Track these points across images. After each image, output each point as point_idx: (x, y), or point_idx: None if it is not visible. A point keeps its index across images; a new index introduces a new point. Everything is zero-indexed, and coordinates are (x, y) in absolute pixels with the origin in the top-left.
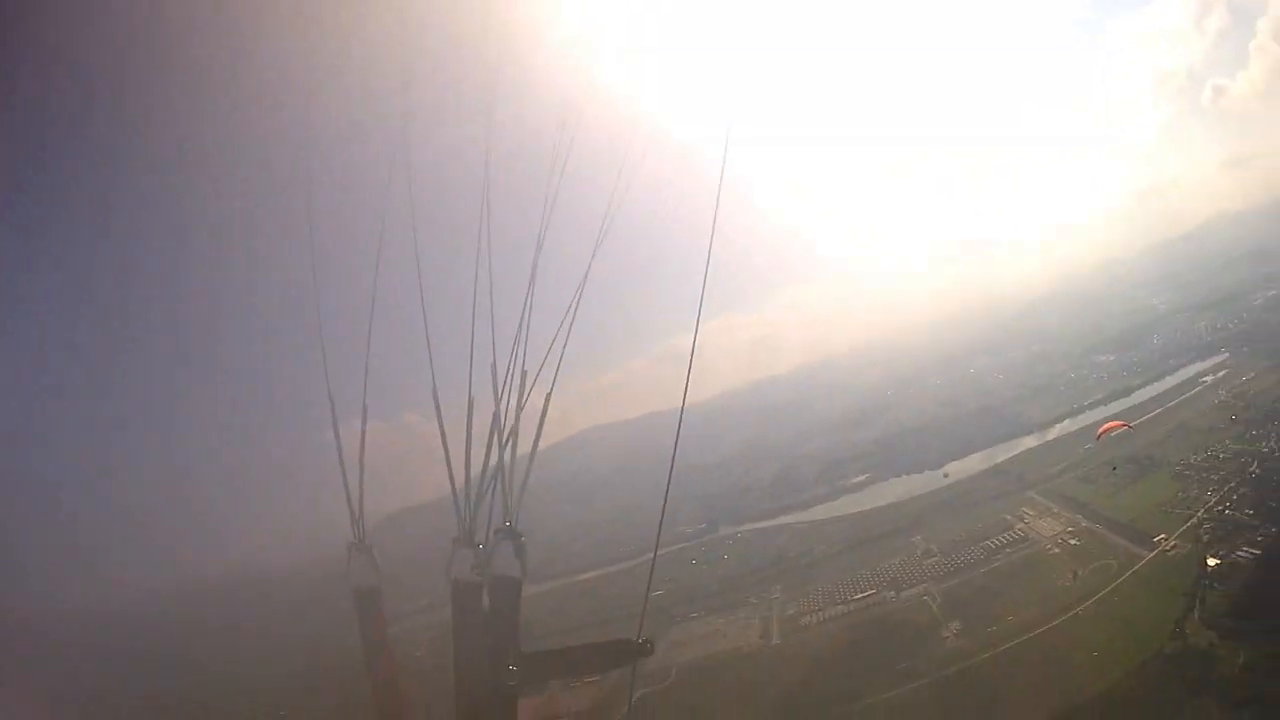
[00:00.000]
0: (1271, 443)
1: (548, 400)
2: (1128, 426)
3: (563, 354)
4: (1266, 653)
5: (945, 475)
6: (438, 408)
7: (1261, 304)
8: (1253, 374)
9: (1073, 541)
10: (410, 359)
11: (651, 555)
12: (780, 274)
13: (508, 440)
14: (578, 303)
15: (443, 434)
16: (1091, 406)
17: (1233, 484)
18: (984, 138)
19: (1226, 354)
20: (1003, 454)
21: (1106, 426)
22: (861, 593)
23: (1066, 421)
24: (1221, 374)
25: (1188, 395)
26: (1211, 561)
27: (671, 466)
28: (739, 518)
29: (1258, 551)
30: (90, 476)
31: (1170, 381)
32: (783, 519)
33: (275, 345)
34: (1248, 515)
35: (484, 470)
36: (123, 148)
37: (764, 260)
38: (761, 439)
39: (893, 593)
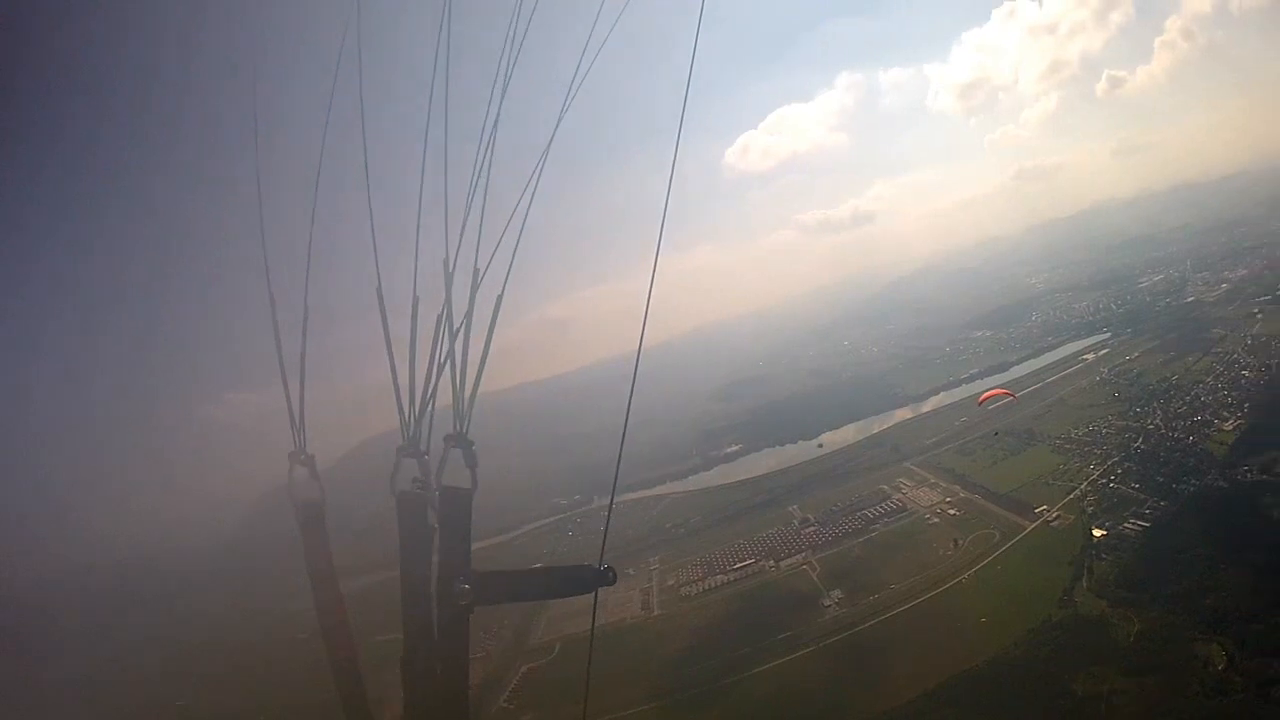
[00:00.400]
0: (1157, 419)
1: (499, 301)
2: (1012, 396)
3: (514, 253)
4: (1160, 621)
5: (820, 445)
6: (382, 306)
7: (1147, 287)
8: (1137, 354)
9: (952, 511)
10: (356, 259)
11: (611, 493)
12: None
13: (457, 336)
14: (530, 203)
15: (386, 336)
16: (968, 380)
17: (1117, 458)
18: (868, 112)
19: (1109, 334)
20: (878, 425)
21: (990, 393)
22: (741, 562)
23: (942, 394)
24: (1103, 352)
25: (1067, 372)
26: (1097, 533)
27: (626, 417)
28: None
29: (1146, 524)
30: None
31: (1049, 358)
32: (659, 489)
33: (217, 244)
34: (1134, 489)
35: (429, 375)
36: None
37: (639, 229)
38: (635, 409)
39: (772, 562)
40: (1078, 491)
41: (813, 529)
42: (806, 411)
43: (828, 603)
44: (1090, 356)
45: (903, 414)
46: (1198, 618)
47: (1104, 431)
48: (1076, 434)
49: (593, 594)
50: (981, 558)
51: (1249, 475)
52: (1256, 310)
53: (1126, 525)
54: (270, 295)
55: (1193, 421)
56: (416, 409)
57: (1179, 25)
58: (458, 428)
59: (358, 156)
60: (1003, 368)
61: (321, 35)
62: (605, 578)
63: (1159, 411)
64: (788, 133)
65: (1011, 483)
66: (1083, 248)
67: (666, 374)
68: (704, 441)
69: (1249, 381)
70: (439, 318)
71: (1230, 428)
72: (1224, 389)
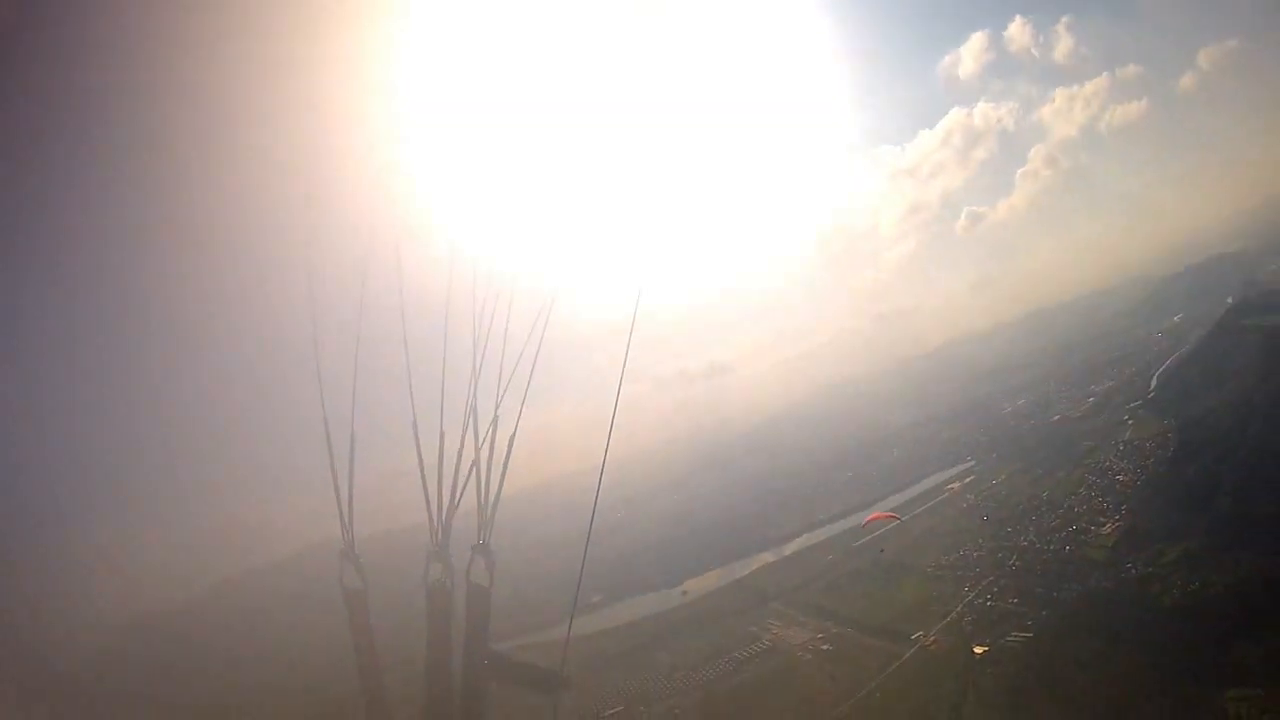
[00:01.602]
0: (1030, 536)
1: (512, 440)
2: (896, 518)
3: (523, 402)
4: None
5: (684, 593)
6: (417, 440)
7: (1010, 412)
8: (1003, 476)
9: (825, 646)
10: (394, 401)
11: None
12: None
13: (471, 470)
14: (535, 361)
15: (420, 461)
16: (829, 520)
17: (991, 578)
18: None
19: (973, 461)
20: (741, 570)
21: (874, 516)
22: (610, 710)
23: (805, 536)
24: (969, 480)
25: (933, 503)
26: (978, 649)
27: (588, 537)
28: None
29: (1029, 634)
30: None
31: (914, 491)
32: (519, 639)
33: (275, 378)
34: (1013, 603)
35: (452, 496)
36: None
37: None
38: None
39: (643, 707)
40: (954, 614)
41: (683, 673)
42: (667, 559)
43: None
44: (956, 485)
45: (766, 557)
46: (1095, 712)
47: (975, 555)
48: (947, 560)
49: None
50: (860, 687)
51: (1134, 571)
52: (1127, 417)
53: (1009, 639)
54: (326, 426)
55: (1068, 532)
56: (444, 518)
57: (1043, 154)
58: (481, 539)
59: (394, 321)
60: (865, 505)
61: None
62: (563, 681)
63: (1031, 528)
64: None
65: (884, 614)
66: (943, 381)
67: (527, 525)
68: (562, 591)
69: (1124, 484)
70: (459, 450)
71: (1109, 531)
72: (1098, 496)
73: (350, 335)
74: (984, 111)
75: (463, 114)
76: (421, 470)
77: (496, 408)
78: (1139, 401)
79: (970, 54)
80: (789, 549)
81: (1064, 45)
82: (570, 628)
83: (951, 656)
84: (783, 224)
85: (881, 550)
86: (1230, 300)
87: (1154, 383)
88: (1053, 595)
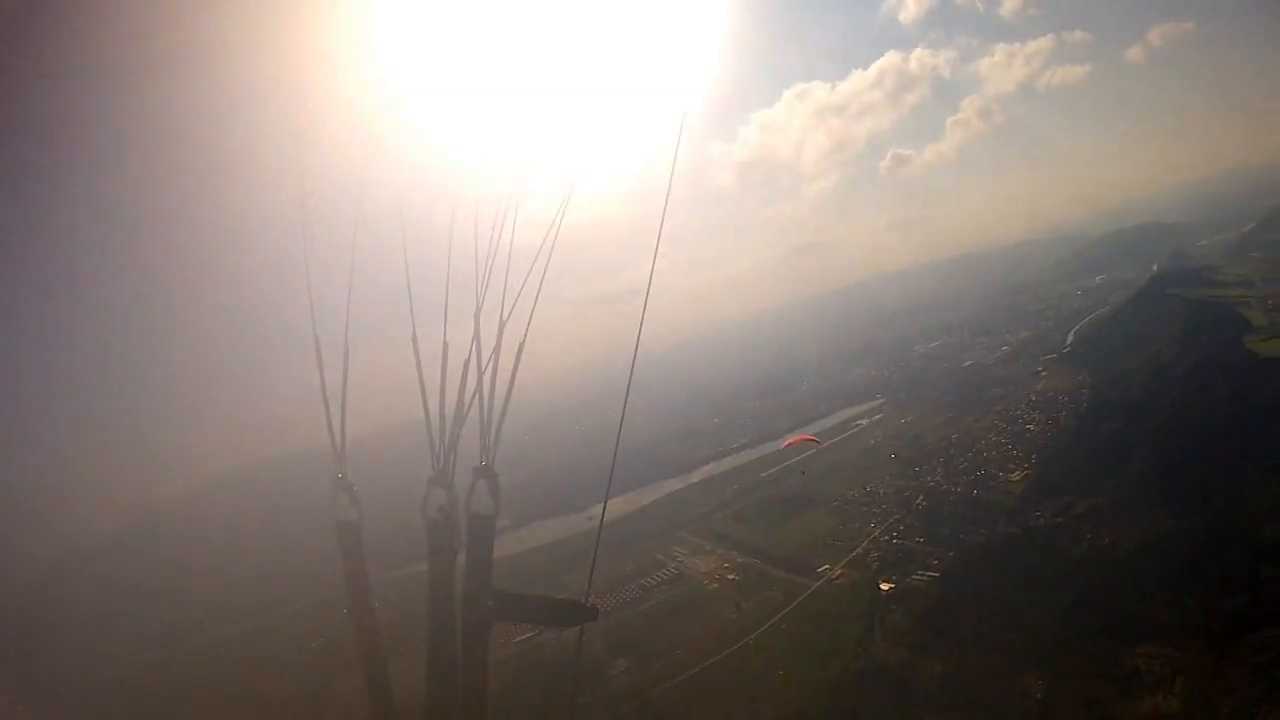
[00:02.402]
0: (938, 477)
1: (521, 348)
2: (816, 441)
3: (535, 303)
4: (966, 661)
5: (590, 518)
6: (416, 351)
7: (922, 354)
8: (911, 417)
9: (731, 576)
10: (391, 303)
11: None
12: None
13: (484, 377)
14: (549, 259)
15: (420, 378)
16: (738, 449)
17: (898, 516)
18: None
19: (882, 399)
20: (649, 496)
21: (794, 439)
22: (520, 636)
23: (712, 464)
24: (877, 417)
25: (842, 437)
26: (884, 586)
27: (618, 439)
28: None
29: (934, 574)
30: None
31: (823, 425)
32: (420, 566)
33: (262, 287)
34: (919, 543)
35: (456, 412)
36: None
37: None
38: (394, 489)
39: (553, 633)
40: (860, 549)
41: (591, 599)
42: (575, 484)
43: (615, 671)
44: (864, 422)
45: (673, 484)
46: (1007, 654)
47: (883, 492)
48: (854, 495)
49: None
50: (767, 618)
51: (1041, 520)
52: (1040, 369)
53: (914, 577)
54: (315, 335)
55: (976, 476)
56: (446, 442)
57: (977, 104)
58: (484, 460)
59: (394, 220)
60: (774, 435)
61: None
62: (591, 613)
63: (939, 470)
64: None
65: (790, 545)
66: (856, 318)
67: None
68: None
69: (1034, 435)
70: (465, 361)
71: (1018, 479)
72: (1009, 444)
73: (345, 246)
74: (920, 57)
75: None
76: (421, 385)
77: (502, 322)
78: (1054, 355)
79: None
80: (696, 476)
81: (1013, 2)
82: (595, 558)
83: (857, 592)
84: (704, 148)
85: (803, 472)
86: (1156, 268)
87: (1070, 338)
88: (959, 537)
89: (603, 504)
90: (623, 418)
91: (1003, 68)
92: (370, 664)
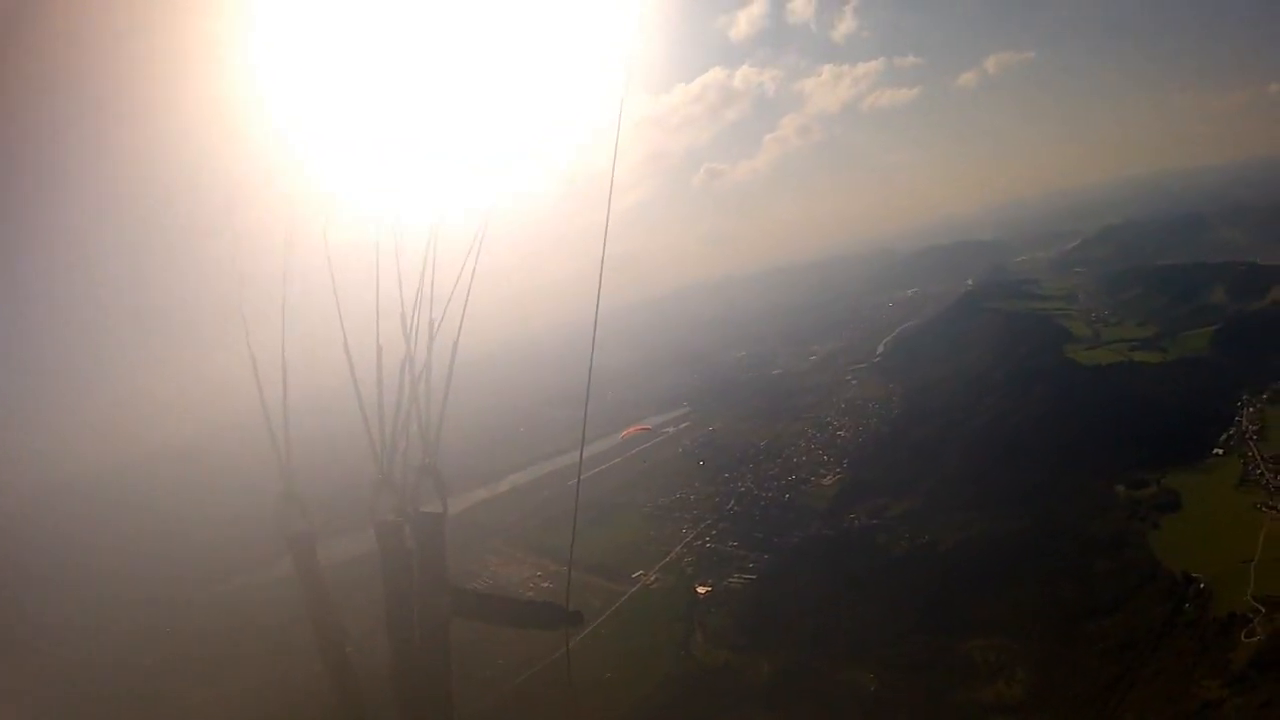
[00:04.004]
0: (748, 483)
1: (455, 346)
2: (649, 430)
3: (466, 301)
4: (793, 660)
5: None
6: (349, 358)
7: (731, 362)
8: (719, 424)
9: (545, 584)
10: (324, 321)
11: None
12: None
13: (420, 380)
14: (476, 260)
15: (355, 384)
16: (545, 458)
17: (710, 521)
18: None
19: (689, 407)
20: (457, 506)
21: (630, 430)
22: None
23: (520, 472)
24: (684, 425)
25: (649, 444)
26: (701, 590)
27: (585, 409)
28: None
29: (751, 577)
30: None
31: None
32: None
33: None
34: (733, 546)
35: (396, 413)
36: None
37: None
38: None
39: (371, 644)
40: (674, 555)
41: (573, 606)
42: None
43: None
44: (671, 429)
45: (481, 493)
46: (835, 651)
47: (693, 498)
48: (664, 501)
49: (563, 632)
50: (585, 625)
51: (856, 522)
52: (850, 377)
53: (731, 580)
54: (251, 355)
55: (788, 481)
56: (389, 444)
57: (796, 123)
58: (426, 459)
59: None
60: (579, 443)
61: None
62: (573, 619)
63: (749, 475)
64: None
65: (603, 552)
66: (665, 329)
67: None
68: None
69: (845, 440)
70: (402, 365)
71: (830, 483)
72: (819, 450)
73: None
74: (746, 74)
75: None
76: (357, 389)
77: (434, 325)
78: (864, 364)
79: (748, 18)
80: (504, 485)
81: (846, 26)
82: (572, 546)
83: (674, 596)
84: (524, 155)
85: (701, 463)
86: (971, 282)
87: (880, 348)
88: (774, 540)
89: (574, 516)
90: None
91: (828, 88)
92: (338, 682)
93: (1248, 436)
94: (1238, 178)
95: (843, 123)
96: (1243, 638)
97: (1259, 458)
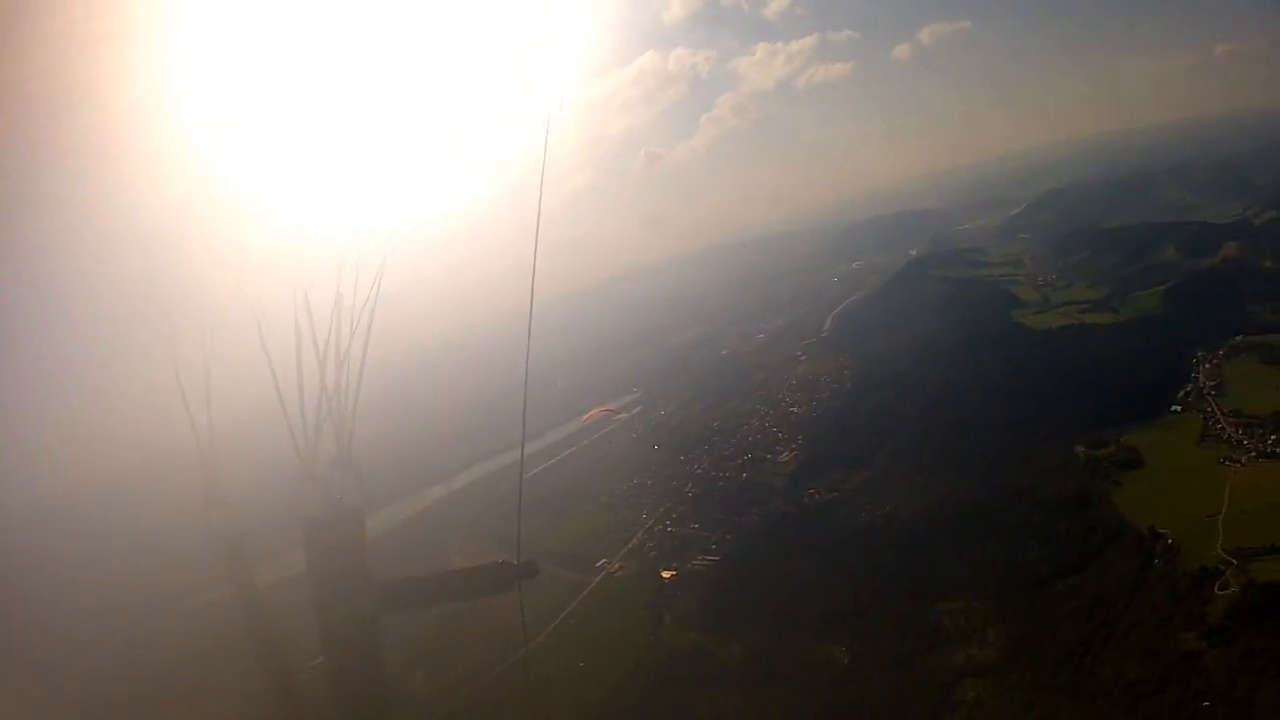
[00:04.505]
0: (704, 464)
1: (368, 331)
2: (612, 411)
3: (378, 287)
4: (759, 639)
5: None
6: (266, 352)
7: (679, 343)
8: (673, 406)
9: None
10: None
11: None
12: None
13: (338, 368)
14: (386, 259)
15: (274, 375)
16: (498, 452)
17: (669, 504)
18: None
19: (639, 391)
20: (416, 505)
21: (593, 412)
22: (312, 661)
23: (475, 466)
24: (637, 410)
25: (603, 432)
26: (666, 574)
27: (524, 409)
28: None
29: (715, 558)
30: None
31: (580, 422)
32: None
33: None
34: (694, 529)
35: (319, 407)
36: None
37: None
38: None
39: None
40: (636, 540)
41: (520, 559)
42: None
43: (414, 686)
44: (624, 415)
45: (438, 490)
46: (805, 626)
47: (650, 483)
48: (622, 488)
49: (516, 590)
50: (553, 617)
51: (816, 496)
52: (800, 353)
53: (695, 563)
54: (175, 364)
55: (744, 460)
56: (310, 436)
57: (732, 102)
58: (341, 451)
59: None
60: (534, 434)
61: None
62: (526, 571)
63: (705, 457)
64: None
65: (566, 542)
66: (612, 314)
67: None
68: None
69: (799, 416)
70: (320, 354)
71: (787, 459)
72: (774, 427)
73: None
74: (680, 56)
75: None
76: (277, 387)
77: (354, 324)
78: (812, 339)
79: (681, 0)
80: (459, 481)
81: (778, 3)
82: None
83: (640, 582)
84: (468, 145)
85: (656, 446)
86: (913, 252)
87: (828, 323)
88: (734, 520)
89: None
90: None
91: (762, 66)
92: (276, 685)
93: (1206, 392)
94: (1185, 137)
95: (779, 100)
96: (1216, 590)
97: (1218, 412)
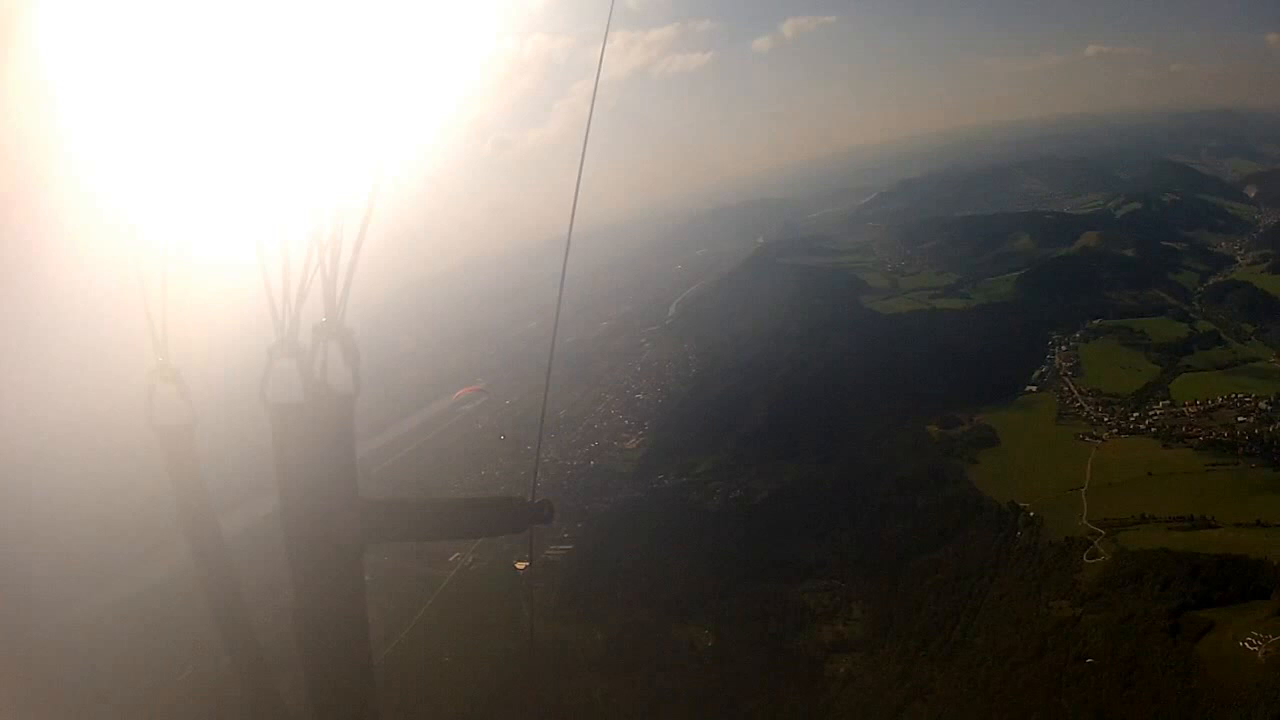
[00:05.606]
0: (551, 453)
1: (373, 192)
2: (481, 389)
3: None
4: (625, 625)
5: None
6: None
7: (521, 334)
8: (515, 397)
9: (365, 576)
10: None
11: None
12: None
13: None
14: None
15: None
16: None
17: (517, 495)
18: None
19: (483, 382)
20: (262, 504)
21: (461, 392)
22: (183, 673)
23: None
24: (481, 401)
25: (447, 425)
26: (520, 565)
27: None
28: None
29: (568, 546)
30: None
31: (426, 414)
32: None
33: None
34: None
35: (308, 256)
36: None
37: None
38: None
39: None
40: None
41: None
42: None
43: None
44: (468, 407)
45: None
46: (665, 610)
47: (497, 474)
48: (469, 481)
49: (526, 534)
50: (411, 614)
51: (665, 482)
52: (644, 340)
53: (549, 552)
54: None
55: (591, 447)
56: (293, 298)
57: (587, 90)
58: (332, 314)
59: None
60: (379, 429)
61: None
62: (539, 514)
63: (551, 446)
64: None
65: None
66: (454, 305)
67: None
68: None
69: (645, 403)
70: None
71: (634, 446)
72: (620, 415)
73: None
74: (537, 42)
75: None
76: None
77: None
78: (656, 326)
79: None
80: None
81: None
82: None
83: (494, 574)
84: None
85: (503, 437)
86: (761, 240)
87: (672, 310)
88: (584, 508)
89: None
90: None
91: (619, 54)
92: (225, 620)
93: (1062, 373)
94: (1049, 134)
95: (633, 88)
96: (1085, 559)
97: (1075, 392)
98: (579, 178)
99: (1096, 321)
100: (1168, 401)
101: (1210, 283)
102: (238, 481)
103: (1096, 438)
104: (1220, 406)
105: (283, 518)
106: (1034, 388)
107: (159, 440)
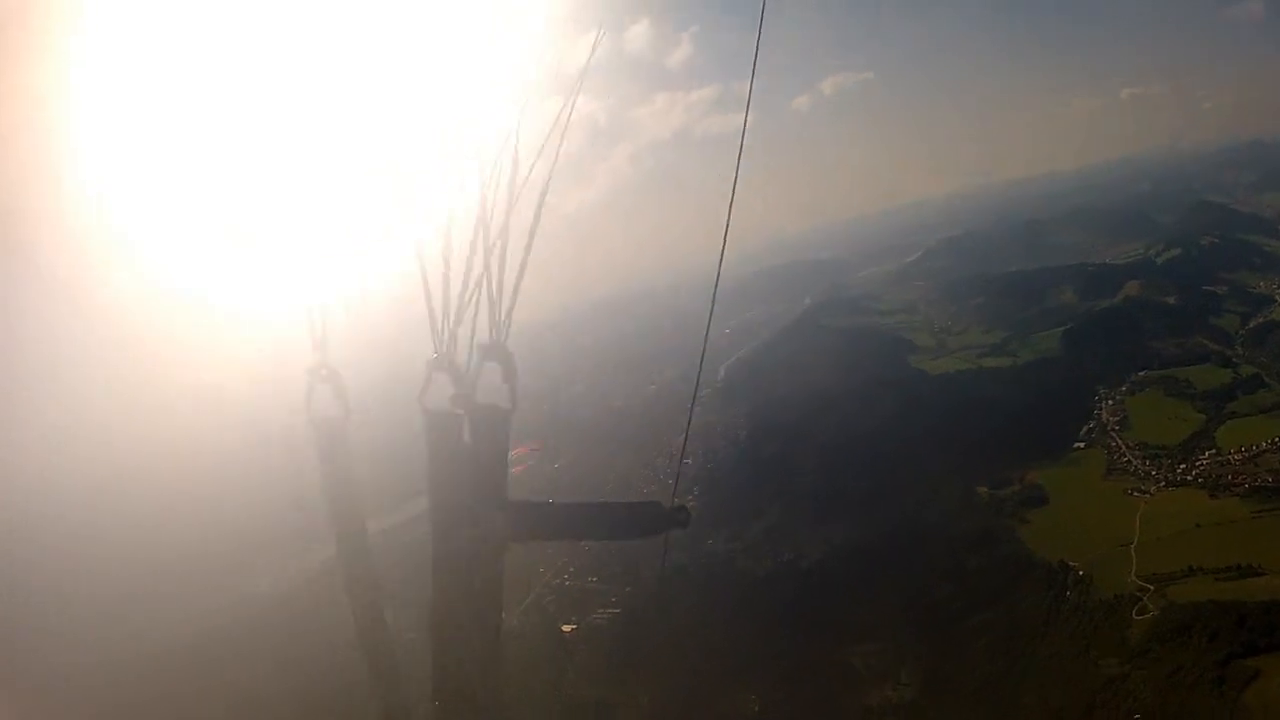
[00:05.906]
0: None
1: (542, 199)
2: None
3: (559, 152)
4: (665, 689)
5: None
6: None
7: (568, 398)
8: (564, 461)
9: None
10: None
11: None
12: None
13: (495, 235)
14: (575, 99)
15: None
16: (392, 508)
17: (565, 559)
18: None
19: (532, 446)
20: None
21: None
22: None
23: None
24: (529, 463)
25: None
26: (566, 628)
27: (702, 359)
28: None
29: (616, 610)
30: None
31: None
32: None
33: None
34: (593, 582)
35: (466, 276)
36: None
37: None
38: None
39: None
40: (533, 596)
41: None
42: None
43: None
44: (516, 469)
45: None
46: (712, 675)
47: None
48: (516, 545)
49: (662, 539)
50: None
51: (715, 546)
52: (693, 404)
53: (595, 616)
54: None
55: None
56: (451, 317)
57: (629, 151)
58: (495, 336)
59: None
60: (402, 497)
61: None
62: (676, 518)
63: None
64: None
65: None
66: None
67: None
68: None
69: (693, 467)
70: (476, 224)
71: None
72: (668, 479)
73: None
74: (579, 105)
75: None
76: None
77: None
78: (706, 390)
79: (585, 50)
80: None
81: (681, 53)
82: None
83: (540, 638)
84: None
85: (550, 501)
86: (808, 301)
87: (721, 372)
88: (634, 573)
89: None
90: None
91: (661, 115)
92: (363, 612)
93: (1109, 428)
94: (1082, 183)
95: (675, 149)
96: (1134, 615)
97: (1123, 446)
98: (728, 219)
99: (1142, 373)
100: (1214, 450)
101: (1251, 325)
102: (383, 485)
103: (1145, 492)
104: (1265, 451)
105: (431, 515)
106: (1082, 444)
107: (314, 435)
